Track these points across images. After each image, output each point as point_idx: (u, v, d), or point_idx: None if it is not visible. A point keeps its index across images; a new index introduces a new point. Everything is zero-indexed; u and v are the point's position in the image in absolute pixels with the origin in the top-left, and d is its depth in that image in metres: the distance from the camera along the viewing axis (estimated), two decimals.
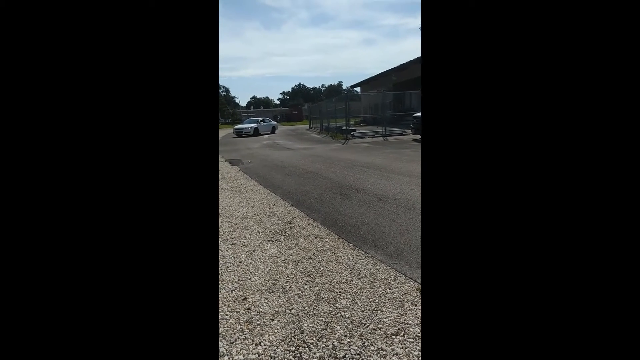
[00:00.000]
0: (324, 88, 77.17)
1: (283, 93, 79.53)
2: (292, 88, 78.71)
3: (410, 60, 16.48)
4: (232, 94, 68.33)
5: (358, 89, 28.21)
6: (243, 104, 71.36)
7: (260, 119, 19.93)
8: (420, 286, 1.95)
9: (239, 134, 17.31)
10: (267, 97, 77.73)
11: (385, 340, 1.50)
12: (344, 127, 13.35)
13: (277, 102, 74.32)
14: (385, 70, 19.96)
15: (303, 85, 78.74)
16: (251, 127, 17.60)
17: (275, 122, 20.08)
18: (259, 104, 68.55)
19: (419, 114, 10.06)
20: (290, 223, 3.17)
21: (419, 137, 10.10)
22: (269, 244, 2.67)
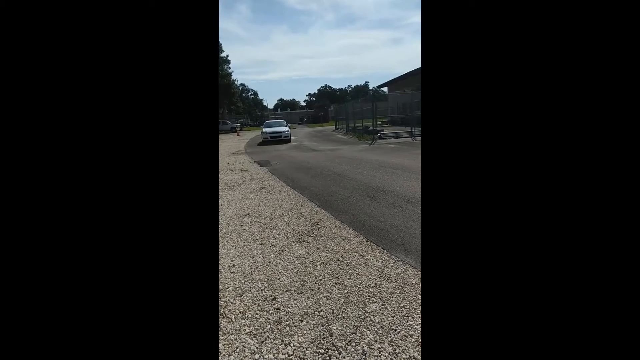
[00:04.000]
0: (350, 89, 76.71)
1: (309, 95, 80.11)
2: (319, 89, 79.07)
3: None
4: (260, 96, 70.09)
5: (385, 89, 27.77)
6: (270, 106, 72.99)
7: (279, 121, 17.13)
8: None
9: (275, 138, 14.09)
10: (293, 99, 78.89)
11: (417, 348, 1.45)
12: (371, 128, 13.17)
13: (304, 104, 75.08)
14: (412, 69, 19.47)
15: (329, 87, 78.84)
16: (285, 131, 14.49)
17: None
18: (285, 106, 69.71)
19: None
20: (317, 224, 3.18)
21: None
22: (297, 245, 2.69)
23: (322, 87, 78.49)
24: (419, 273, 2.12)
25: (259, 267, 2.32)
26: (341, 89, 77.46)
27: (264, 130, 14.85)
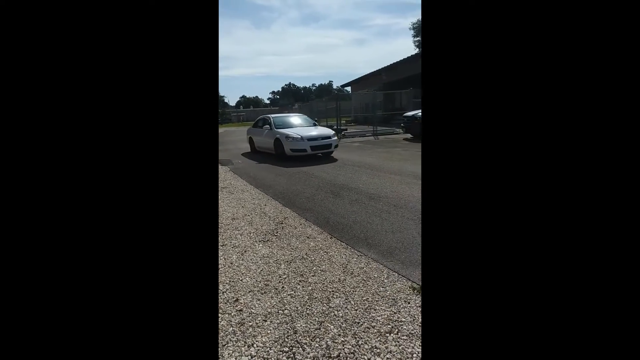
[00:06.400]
0: (314, 87, 76.97)
1: (273, 92, 78.88)
2: (283, 87, 78.15)
3: (400, 60, 16.63)
4: (221, 93, 67.53)
5: (349, 89, 28.31)
6: (232, 103, 70.70)
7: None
8: (413, 284, 1.96)
9: (317, 149, 6.89)
10: (256, 96, 77.08)
11: (379, 338, 1.50)
12: (335, 127, 13.36)
13: (267, 102, 73.83)
14: (375, 70, 20.09)
15: (293, 85, 78.34)
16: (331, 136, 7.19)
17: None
18: (248, 104, 67.91)
19: (410, 113, 10.14)
20: (282, 223, 3.15)
21: (409, 136, 10.18)
22: (261, 245, 2.64)
23: (286, 85, 77.84)
24: (381, 266, 2.20)
25: (221, 269, 2.24)
26: (305, 87, 77.47)
27: (285, 134, 6.92)
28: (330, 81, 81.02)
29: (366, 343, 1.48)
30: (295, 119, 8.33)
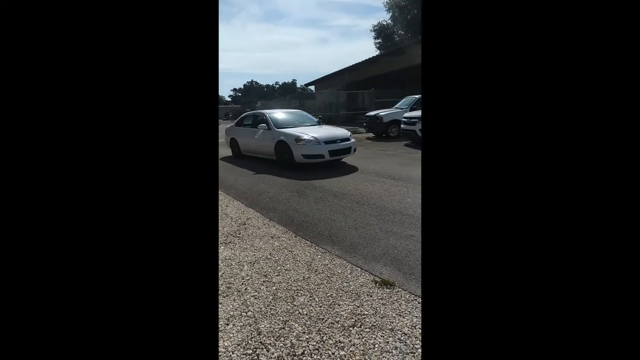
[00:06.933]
0: (277, 86, 75.98)
1: (234, 90, 76.30)
2: (245, 85, 75.97)
3: (363, 61, 17.03)
4: None
5: (312, 88, 28.41)
6: None
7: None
8: (375, 277, 2.03)
9: (336, 154, 5.47)
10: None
11: (342, 332, 1.53)
12: None
13: (229, 99, 71.38)
14: (338, 69, 20.38)
15: (256, 82, 76.48)
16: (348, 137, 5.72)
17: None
18: None
19: (372, 113, 10.44)
20: (244, 224, 3.07)
21: (372, 135, 10.48)
22: (222, 247, 2.56)
23: (248, 82, 75.80)
24: (344, 262, 2.24)
25: None
26: (268, 85, 76.15)
27: (294, 135, 5.43)
28: (293, 79, 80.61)
29: (330, 338, 1.50)
30: (297, 116, 6.76)
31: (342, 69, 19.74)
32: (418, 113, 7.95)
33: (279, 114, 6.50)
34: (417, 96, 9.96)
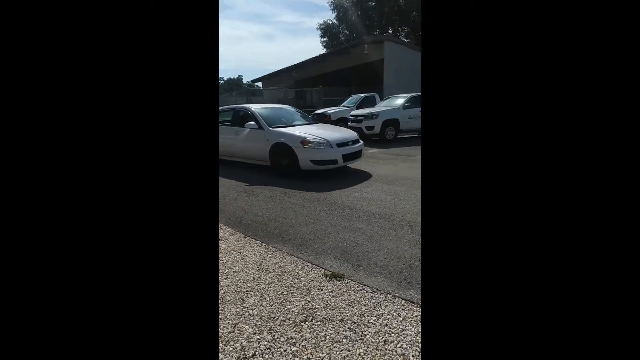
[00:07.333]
0: (222, 81, 72.69)
1: None
2: None
3: (311, 59, 17.13)
4: None
5: (260, 84, 27.76)
6: None
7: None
8: (325, 271, 2.07)
9: (349, 158, 4.56)
10: None
11: (294, 328, 1.54)
12: None
13: None
14: (286, 67, 20.21)
15: None
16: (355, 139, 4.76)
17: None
18: None
19: (320, 111, 10.60)
20: None
21: None
22: None
23: None
24: (295, 259, 2.25)
25: None
26: None
27: (298, 136, 4.37)
28: (239, 75, 77.91)
29: (282, 336, 1.49)
30: (289, 113, 5.58)
31: (290, 66, 19.65)
32: (364, 111, 8.44)
33: (269, 110, 5.27)
34: (362, 95, 10.42)
